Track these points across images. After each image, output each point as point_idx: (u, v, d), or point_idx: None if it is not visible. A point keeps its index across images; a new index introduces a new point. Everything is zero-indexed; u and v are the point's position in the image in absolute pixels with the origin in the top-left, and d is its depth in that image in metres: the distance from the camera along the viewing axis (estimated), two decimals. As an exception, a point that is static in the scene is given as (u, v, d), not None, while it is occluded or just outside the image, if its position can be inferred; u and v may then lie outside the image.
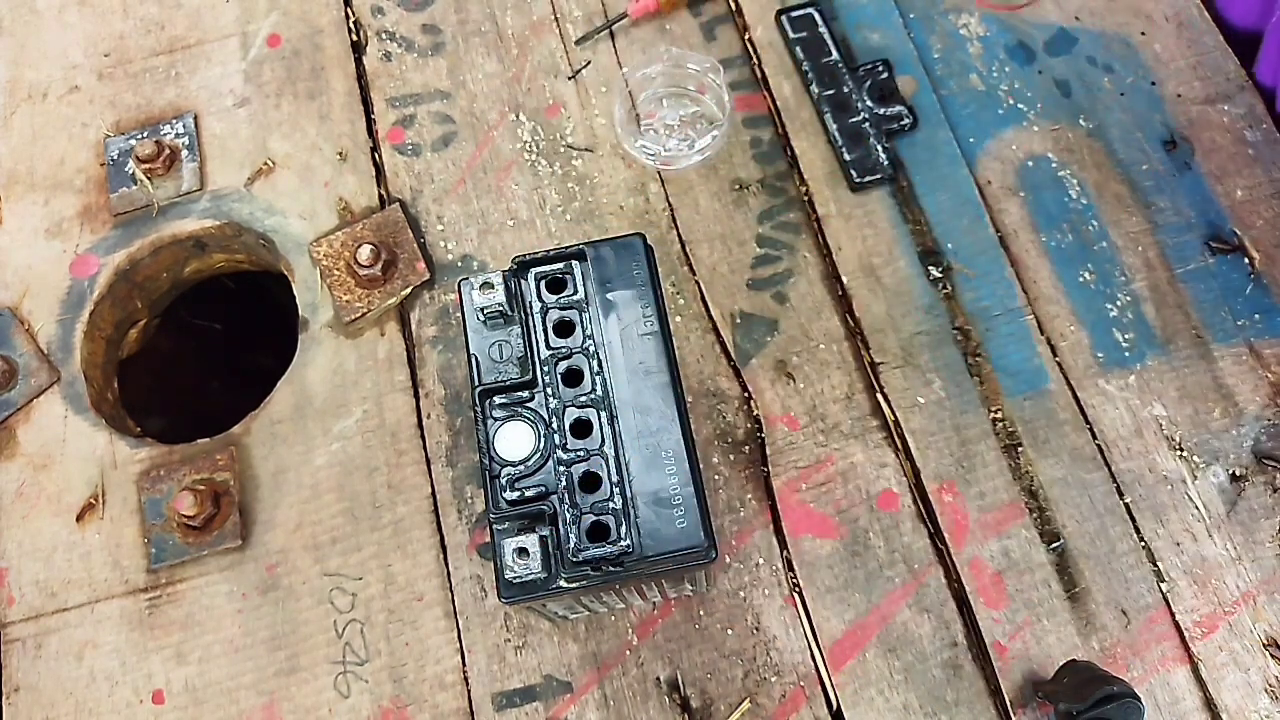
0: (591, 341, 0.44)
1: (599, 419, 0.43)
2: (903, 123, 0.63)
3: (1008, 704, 0.51)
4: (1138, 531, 0.54)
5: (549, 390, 0.43)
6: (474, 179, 0.64)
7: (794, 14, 0.67)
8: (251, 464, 0.57)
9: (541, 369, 0.43)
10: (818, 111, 0.64)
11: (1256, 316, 0.58)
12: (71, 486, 0.57)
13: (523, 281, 0.45)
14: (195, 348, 0.85)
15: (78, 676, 0.54)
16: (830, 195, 0.62)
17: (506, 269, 0.46)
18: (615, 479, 0.42)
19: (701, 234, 0.61)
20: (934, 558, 0.54)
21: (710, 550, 0.41)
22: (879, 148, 0.63)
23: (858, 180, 0.61)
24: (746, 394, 0.58)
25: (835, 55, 0.65)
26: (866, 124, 0.63)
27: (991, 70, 0.65)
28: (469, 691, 0.52)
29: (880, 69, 0.65)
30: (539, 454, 0.42)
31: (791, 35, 0.66)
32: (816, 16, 0.66)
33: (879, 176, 0.62)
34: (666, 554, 0.41)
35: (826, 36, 0.66)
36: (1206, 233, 0.60)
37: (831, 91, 0.64)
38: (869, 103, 0.64)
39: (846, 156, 0.62)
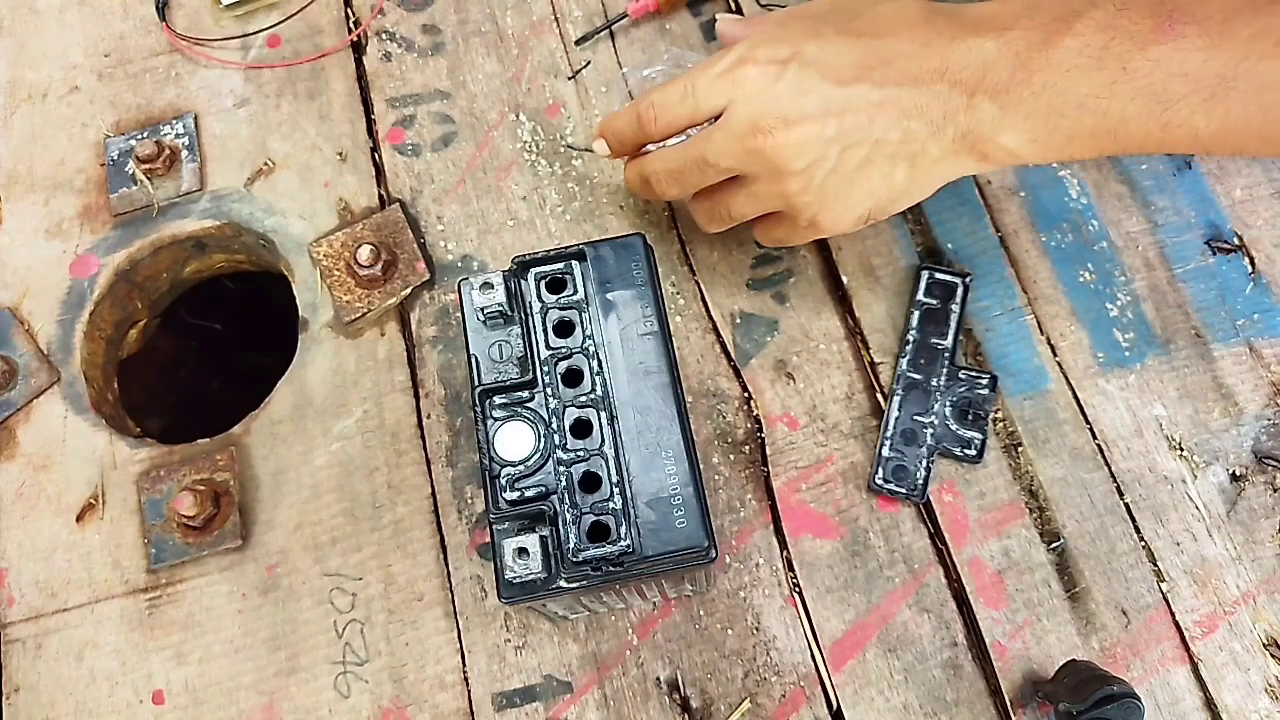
0: (591, 341, 0.44)
1: (599, 419, 0.43)
2: (966, 451, 0.55)
3: (1008, 704, 0.51)
4: (1138, 531, 0.54)
5: (549, 390, 0.43)
6: (474, 179, 0.64)
7: (938, 275, 0.58)
8: (251, 464, 0.57)
9: (541, 369, 0.43)
10: (889, 391, 0.56)
11: (1256, 316, 0.58)
12: (71, 486, 0.57)
13: (523, 281, 0.45)
14: (195, 348, 0.85)
15: (78, 676, 0.54)
16: (830, 195, 0.62)
17: (506, 269, 0.46)
18: (615, 479, 0.42)
19: (701, 234, 0.61)
20: (934, 558, 0.54)
21: (710, 550, 0.41)
22: (922, 466, 0.54)
23: (878, 483, 0.54)
24: (746, 394, 0.58)
25: (949, 343, 0.56)
26: (929, 434, 0.55)
27: (991, 70, 0.65)
28: (469, 691, 0.52)
29: (984, 383, 0.56)
30: (539, 454, 0.42)
31: (920, 295, 0.58)
32: (960, 290, 0.58)
33: (901, 492, 0.54)
34: (666, 554, 0.41)
35: (954, 318, 0.57)
36: (1206, 233, 0.60)
37: (918, 377, 0.56)
38: (947, 414, 0.55)
39: (883, 453, 0.55)
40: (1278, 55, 0.40)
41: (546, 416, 0.43)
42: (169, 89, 0.67)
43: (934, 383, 0.56)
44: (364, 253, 0.59)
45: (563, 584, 0.41)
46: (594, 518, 0.41)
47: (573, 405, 0.43)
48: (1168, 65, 0.42)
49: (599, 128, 0.55)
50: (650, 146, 0.53)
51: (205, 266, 0.68)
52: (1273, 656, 0.51)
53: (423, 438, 0.57)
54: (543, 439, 0.42)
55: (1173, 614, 0.52)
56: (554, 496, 0.42)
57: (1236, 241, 0.60)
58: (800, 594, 0.53)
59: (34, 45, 0.69)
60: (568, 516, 0.41)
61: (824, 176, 0.48)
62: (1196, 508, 0.54)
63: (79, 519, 0.57)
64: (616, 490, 0.41)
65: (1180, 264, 0.60)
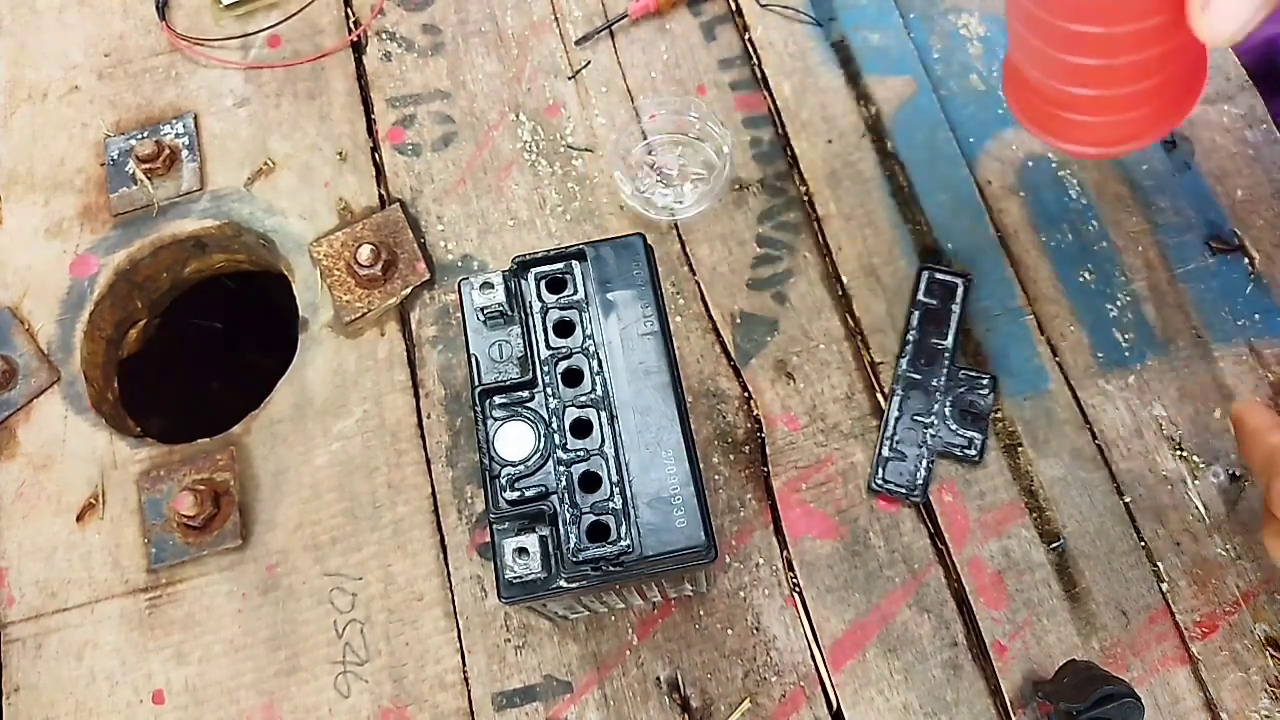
0: (591, 341, 0.44)
1: (599, 419, 0.43)
2: (966, 451, 0.55)
3: (1008, 704, 0.51)
4: (1138, 531, 0.54)
5: (549, 390, 0.43)
6: (474, 179, 0.64)
7: (938, 275, 0.58)
8: (251, 464, 0.57)
9: (541, 369, 0.43)
10: (889, 391, 0.56)
11: (1256, 316, 0.58)
12: (71, 486, 0.57)
13: (523, 281, 0.45)
14: (195, 348, 0.85)
15: (78, 676, 0.54)
16: (830, 195, 0.62)
17: (506, 269, 0.46)
18: (615, 479, 0.42)
19: (701, 234, 0.61)
20: (934, 558, 0.54)
21: (710, 550, 0.41)
22: (922, 466, 0.54)
23: (878, 483, 0.54)
24: (746, 394, 0.58)
25: (949, 343, 0.57)
26: (929, 434, 0.55)
27: (991, 70, 0.65)
28: (469, 691, 0.52)
29: (985, 384, 0.56)
30: (539, 454, 0.42)
31: (920, 295, 0.58)
32: (960, 290, 0.58)
33: (901, 492, 0.54)
34: (666, 554, 0.41)
35: (954, 318, 0.57)
36: (1206, 233, 0.60)
37: (918, 377, 0.56)
38: (947, 414, 0.55)
39: (883, 453, 0.55)
40: None
41: (546, 416, 0.43)
42: (169, 89, 0.67)
43: (934, 383, 0.56)
44: (364, 253, 0.59)
45: (563, 584, 0.41)
46: (594, 518, 0.41)
47: (573, 405, 0.43)
48: None
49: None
50: None
51: (205, 266, 0.68)
52: (1273, 656, 0.51)
53: (423, 438, 0.57)
54: (543, 439, 0.42)
55: (1173, 614, 0.52)
56: (554, 496, 0.42)
57: (1236, 241, 0.60)
58: (800, 594, 0.53)
59: (34, 45, 0.69)
60: (567, 516, 0.41)
61: None
62: (1196, 508, 0.54)
63: (79, 519, 0.57)
64: (616, 490, 0.41)
65: (1180, 264, 0.60)
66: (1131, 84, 0.39)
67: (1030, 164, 0.63)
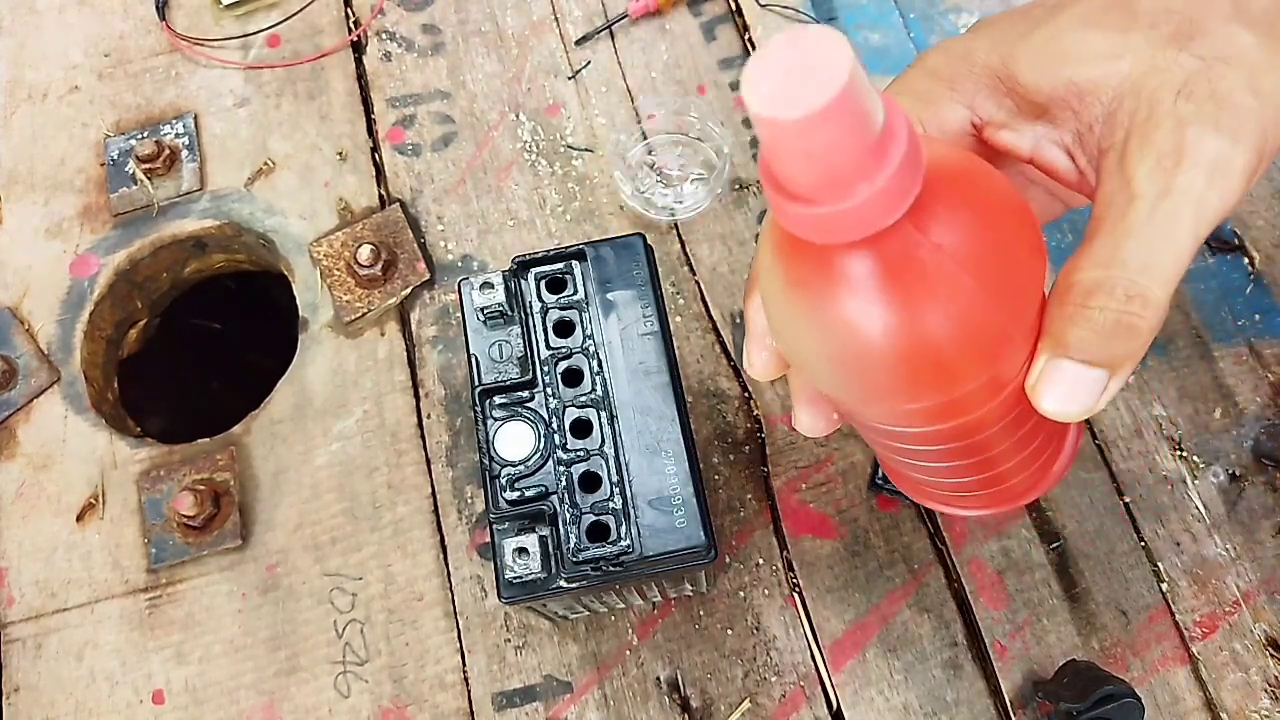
0: (591, 341, 0.44)
1: (599, 419, 0.43)
2: None
3: (1008, 704, 0.51)
4: (1138, 531, 0.54)
5: (549, 390, 0.43)
6: (474, 179, 0.64)
7: None
8: (251, 464, 0.57)
9: (541, 369, 0.44)
10: None
11: (1256, 316, 0.58)
12: (71, 486, 0.57)
13: (523, 281, 0.45)
14: (195, 348, 0.85)
15: (78, 676, 0.54)
16: (830, 195, 0.62)
17: (506, 269, 0.46)
18: (615, 479, 0.42)
19: (701, 234, 0.61)
20: (934, 558, 0.54)
21: (710, 550, 0.41)
22: None
23: (878, 483, 0.54)
24: (746, 394, 0.58)
25: None
26: None
27: (991, 70, 0.65)
28: (469, 691, 0.52)
29: None
30: (539, 454, 0.42)
31: None
32: None
33: (903, 496, 0.52)
34: (666, 554, 0.41)
35: None
36: (1206, 233, 0.60)
37: None
38: None
39: None
40: None
41: (546, 416, 0.43)
42: (169, 89, 0.67)
43: None
44: (364, 253, 0.59)
45: (563, 584, 0.41)
46: (594, 518, 0.41)
47: (573, 405, 0.43)
48: None
49: None
50: None
51: (205, 266, 0.68)
52: (1273, 656, 0.51)
53: (423, 438, 0.57)
54: (543, 439, 0.42)
55: (1173, 614, 0.52)
56: (554, 496, 0.42)
57: (1236, 241, 0.60)
58: (800, 594, 0.53)
59: (34, 45, 0.69)
60: (567, 516, 0.41)
61: None
62: (1196, 508, 0.54)
63: (79, 519, 0.57)
64: (616, 490, 0.41)
65: (1180, 264, 0.60)
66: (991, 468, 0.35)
67: (1030, 164, 0.62)
